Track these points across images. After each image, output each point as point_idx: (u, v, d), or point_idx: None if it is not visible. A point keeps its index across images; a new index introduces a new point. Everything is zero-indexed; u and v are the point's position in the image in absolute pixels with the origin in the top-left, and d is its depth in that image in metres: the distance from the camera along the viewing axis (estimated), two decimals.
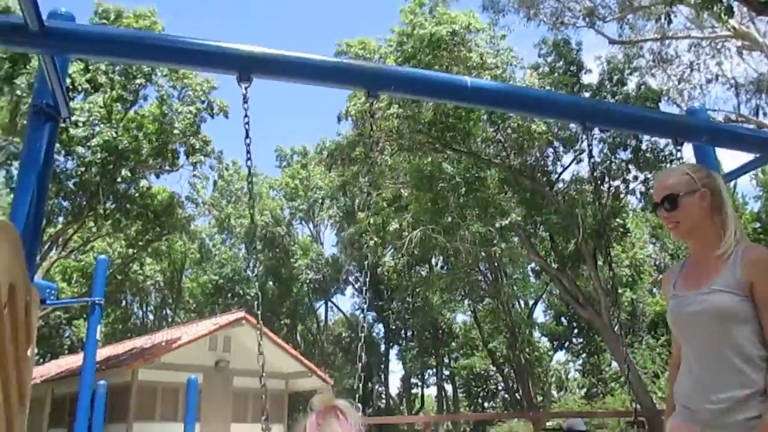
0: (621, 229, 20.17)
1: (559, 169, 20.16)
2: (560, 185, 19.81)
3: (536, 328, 37.95)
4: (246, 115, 2.68)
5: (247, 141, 2.72)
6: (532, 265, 29.47)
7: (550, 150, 19.76)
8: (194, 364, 19.80)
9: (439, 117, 17.84)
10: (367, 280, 3.16)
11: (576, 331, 37.93)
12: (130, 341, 28.04)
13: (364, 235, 23.82)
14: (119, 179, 17.71)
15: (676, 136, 3.55)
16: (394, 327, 40.91)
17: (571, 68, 18.59)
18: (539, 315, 39.97)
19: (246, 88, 2.68)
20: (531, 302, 36.84)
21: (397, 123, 17.86)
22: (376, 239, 22.82)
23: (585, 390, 41.28)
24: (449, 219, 18.91)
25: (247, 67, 2.67)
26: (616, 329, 18.67)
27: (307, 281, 35.06)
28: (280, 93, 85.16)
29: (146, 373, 20.44)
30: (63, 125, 12.73)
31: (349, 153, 19.96)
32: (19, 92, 15.61)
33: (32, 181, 2.69)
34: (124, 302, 41.98)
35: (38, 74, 2.92)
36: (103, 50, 2.71)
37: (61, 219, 20.11)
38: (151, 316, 42.85)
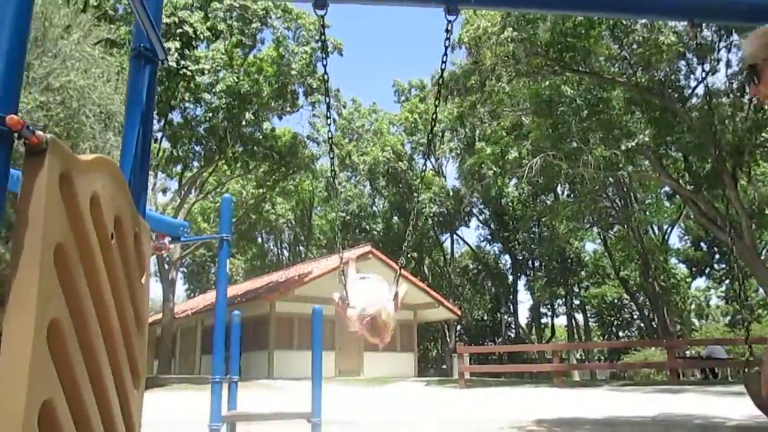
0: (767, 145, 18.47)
1: (693, 84, 18.65)
2: (694, 101, 18.34)
3: (672, 254, 36.11)
4: (324, 44, 2.68)
5: (325, 65, 2.73)
6: (666, 188, 27.86)
7: (682, 63, 18.26)
8: (326, 296, 20.74)
9: (556, 37, 16.95)
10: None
11: (717, 256, 35.76)
12: (267, 276, 29.86)
13: (483, 165, 23.41)
14: (244, 123, 18.49)
15: None
16: (521, 257, 40.51)
17: None
18: (675, 241, 38.02)
19: (323, 17, 2.67)
20: (665, 227, 34.97)
21: (512, 47, 17.16)
22: (495, 169, 22.38)
23: (729, 318, 39.19)
24: (571, 144, 18.15)
25: None
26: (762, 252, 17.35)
27: (432, 215, 35.27)
28: (394, 27, 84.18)
29: (283, 305, 21.76)
30: (189, 73, 13.33)
31: (465, 82, 19.51)
32: (164, 47, 16.48)
33: (137, 122, 2.86)
34: (260, 240, 44.55)
35: (135, 18, 3.06)
36: None
37: (195, 164, 21.43)
38: (285, 253, 45.18)
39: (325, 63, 2.74)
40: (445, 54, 2.49)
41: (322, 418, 6.12)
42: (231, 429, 6.82)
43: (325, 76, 2.78)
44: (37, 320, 1.35)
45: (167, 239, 6.81)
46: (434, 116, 2.71)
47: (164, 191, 22.32)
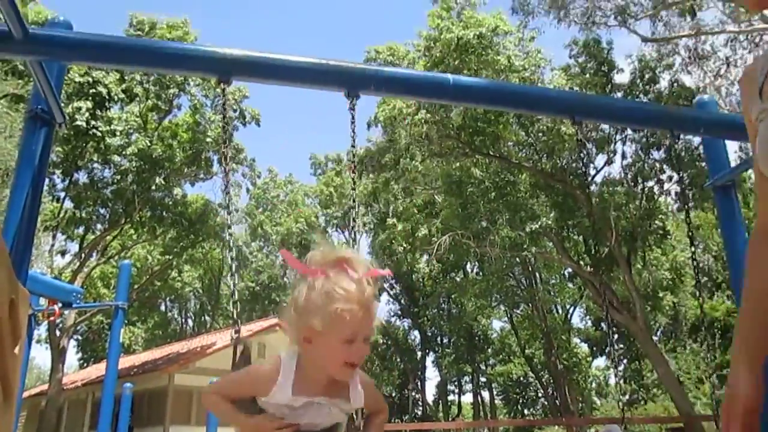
0: (660, 232, 19.76)
1: (592, 172, 19.89)
2: (593, 188, 19.54)
3: (574, 333, 37.34)
4: (225, 117, 2.73)
5: (224, 148, 2.78)
6: (569, 270, 29.09)
7: (583, 152, 19.48)
8: (228, 369, 20.05)
9: (467, 121, 17.80)
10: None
11: (616, 336, 37.22)
12: (168, 346, 28.59)
13: (393, 241, 23.78)
14: (154, 187, 18.12)
15: (671, 128, 3.48)
16: (430, 333, 40.74)
17: (602, 68, 18.35)
18: (577, 320, 39.38)
19: (224, 91, 2.73)
20: (568, 307, 36.29)
21: (425, 128, 17.86)
22: (405, 245, 22.77)
23: (626, 396, 40.47)
24: (480, 224, 18.80)
25: (226, 70, 2.72)
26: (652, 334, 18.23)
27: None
28: (314, 101, 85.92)
29: (183, 378, 20.81)
30: (100, 134, 13.02)
31: (380, 159, 20.03)
32: (63, 111, 16.05)
33: (27, 183, 2.77)
34: (163, 308, 42.81)
35: (33, 80, 3.03)
36: (86, 56, 2.81)
37: (99, 226, 20.64)
38: (190, 322, 43.54)
39: (225, 148, 2.78)
40: (353, 137, 2.60)
41: None
42: None
43: (225, 146, 2.81)
44: None
45: (57, 305, 6.49)
46: (353, 197, 2.77)
47: (63, 253, 21.26)
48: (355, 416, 1.83)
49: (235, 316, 2.38)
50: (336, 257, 1.60)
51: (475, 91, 3.16)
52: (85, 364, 40.58)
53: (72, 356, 46.59)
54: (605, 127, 19.28)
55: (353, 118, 2.71)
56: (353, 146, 2.63)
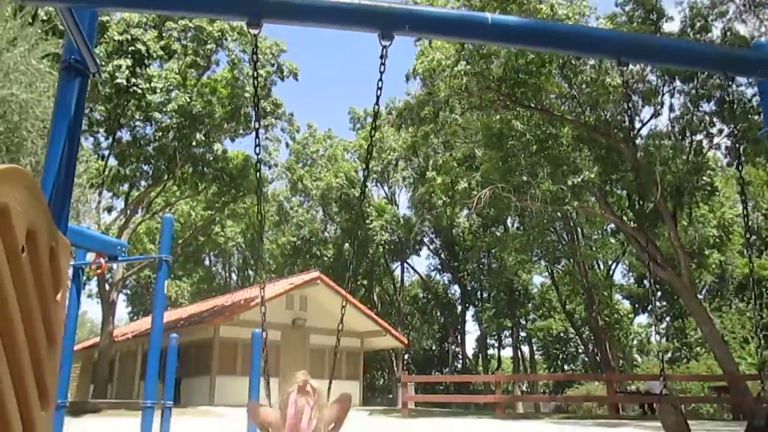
0: (708, 188, 19.18)
1: (637, 125, 19.31)
2: (638, 141, 19.01)
3: (616, 290, 36.96)
4: (255, 63, 2.67)
5: (256, 97, 2.72)
6: (612, 225, 28.62)
7: (626, 106, 18.92)
8: (272, 321, 20.44)
9: (508, 73, 17.39)
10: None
11: (659, 294, 36.74)
12: (213, 300, 29.30)
13: (433, 195, 23.64)
14: (194, 143, 18.29)
15: (725, 70, 3.30)
16: (469, 288, 40.83)
17: (651, 16, 17.62)
18: (619, 276, 38.93)
19: (255, 35, 2.66)
20: (610, 263, 35.84)
21: (465, 80, 17.51)
22: (444, 199, 22.63)
23: (669, 354, 40.13)
24: (521, 177, 18.53)
25: (256, 12, 2.64)
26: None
27: (383, 242, 35.32)
28: (352, 53, 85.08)
29: (227, 330, 21.33)
30: (140, 91, 13.15)
31: (419, 112, 19.78)
32: (96, 61, 16.21)
33: (63, 134, 2.78)
34: (207, 262, 43.80)
35: (65, 30, 3.00)
36: (115, 0, 2.77)
37: (143, 183, 21.03)
38: (234, 276, 44.49)
39: (256, 95, 2.73)
40: (380, 80, 2.51)
41: None
42: None
43: (256, 97, 2.77)
44: None
45: (103, 258, 6.64)
46: (370, 147, 2.70)
47: (109, 210, 21.83)
48: None
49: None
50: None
51: (514, 30, 3.00)
52: (135, 317, 42.06)
53: (122, 310, 48.30)
54: (652, 78, 18.65)
55: (383, 63, 2.61)
56: (379, 92, 2.53)
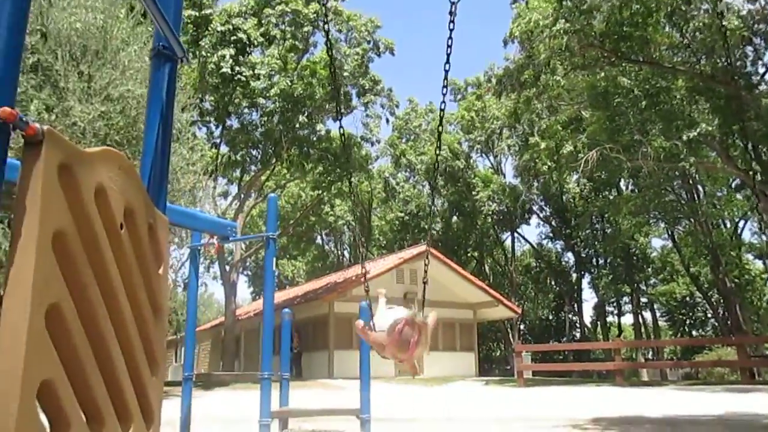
0: None
1: (761, 70, 17.82)
2: (763, 87, 17.53)
3: (746, 249, 34.52)
4: (326, 17, 2.69)
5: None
6: (737, 180, 26.72)
7: (749, 48, 17.46)
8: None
9: (612, 27, 16.50)
10: None
11: None
12: (327, 277, 30.20)
13: (537, 161, 22.98)
14: (298, 125, 18.77)
15: None
16: (584, 255, 39.59)
17: None
18: (747, 235, 36.37)
19: (324, 4, 2.68)
20: (737, 221, 33.47)
21: (566, 39, 16.80)
22: (550, 164, 21.94)
23: None
24: (631, 136, 17.61)
25: None
26: None
27: (491, 213, 34.91)
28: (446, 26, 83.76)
29: (341, 306, 21.95)
30: (244, 79, 13.63)
31: (519, 77, 19.21)
32: (204, 53, 17.00)
33: (157, 119, 2.94)
34: (320, 241, 45.09)
35: (151, 18, 3.13)
36: None
37: (253, 167, 21.89)
38: (346, 254, 45.56)
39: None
40: (450, 38, 2.45)
41: (373, 415, 6.15)
42: (283, 425, 6.93)
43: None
44: (34, 302, 1.40)
45: (216, 239, 6.99)
46: (442, 106, 2.64)
47: (224, 195, 22.96)
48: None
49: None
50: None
51: None
52: (257, 297, 44.12)
53: (244, 290, 50.84)
54: None
55: (452, 21, 2.49)
56: (449, 50, 2.44)
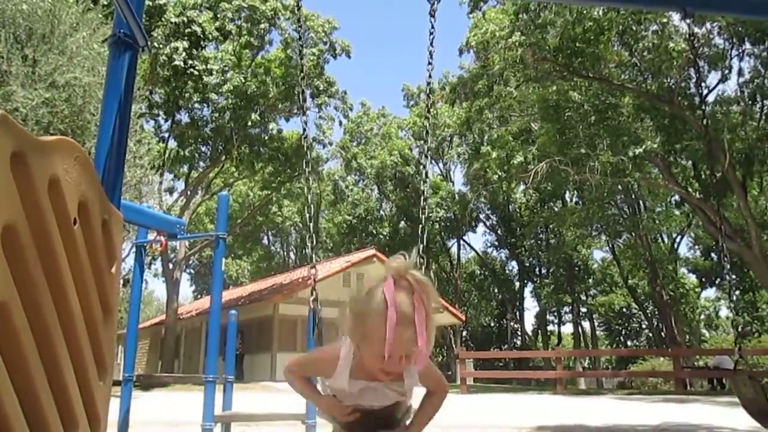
0: None
1: (704, 91, 18.47)
2: (705, 108, 18.15)
3: (682, 263, 35.82)
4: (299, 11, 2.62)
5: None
6: (676, 196, 27.67)
7: (692, 70, 18.09)
8: (329, 299, 20.59)
9: (565, 42, 16.87)
10: None
11: (728, 266, 35.38)
12: (272, 278, 29.85)
13: (488, 170, 23.31)
14: (250, 123, 18.51)
15: None
16: (528, 264, 40.33)
17: None
18: (684, 249, 37.74)
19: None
20: (675, 236, 34.70)
21: (520, 51, 17.10)
22: (500, 173, 22.28)
23: (740, 328, 38.75)
24: (578, 150, 18.04)
25: None
26: None
27: (438, 219, 35.17)
28: (404, 27, 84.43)
29: (286, 307, 21.73)
30: (197, 73, 13.31)
31: (472, 86, 19.43)
32: (156, 44, 16.57)
33: (114, 109, 2.80)
34: (266, 242, 44.59)
35: (114, 4, 3.00)
36: None
37: (202, 164, 21.47)
38: (292, 255, 45.18)
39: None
40: (430, 50, 2.40)
41: (318, 421, 6.06)
42: (225, 429, 6.76)
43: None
44: None
45: (163, 236, 6.77)
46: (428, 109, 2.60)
47: (170, 191, 22.41)
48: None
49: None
50: (386, 271, 1.61)
51: None
52: (199, 296, 43.33)
53: (187, 289, 49.83)
54: (719, 41, 17.80)
55: (432, 26, 2.49)
56: (430, 63, 2.43)
